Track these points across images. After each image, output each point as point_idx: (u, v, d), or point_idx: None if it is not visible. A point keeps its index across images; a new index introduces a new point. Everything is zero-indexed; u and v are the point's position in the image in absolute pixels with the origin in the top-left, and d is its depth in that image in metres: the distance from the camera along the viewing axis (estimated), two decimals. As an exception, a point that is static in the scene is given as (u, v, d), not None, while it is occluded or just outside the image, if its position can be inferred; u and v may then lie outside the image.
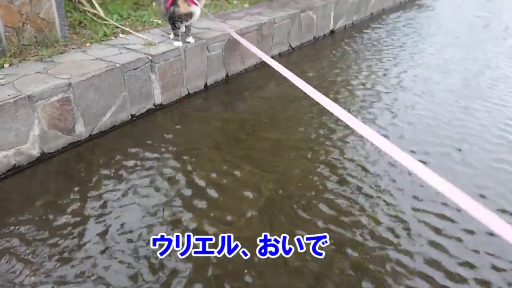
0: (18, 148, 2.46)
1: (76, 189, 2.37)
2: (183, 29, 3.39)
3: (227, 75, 3.92)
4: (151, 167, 2.58)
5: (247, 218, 2.17)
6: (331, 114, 3.19)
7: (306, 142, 2.91)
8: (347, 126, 3.09)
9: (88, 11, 3.74)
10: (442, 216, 2.20)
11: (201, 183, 2.45)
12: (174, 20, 3.27)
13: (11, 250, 1.94)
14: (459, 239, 2.06)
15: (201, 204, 2.27)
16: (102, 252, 1.94)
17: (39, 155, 2.59)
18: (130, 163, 2.61)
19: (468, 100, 3.60)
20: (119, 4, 4.04)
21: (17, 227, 2.07)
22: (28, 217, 2.15)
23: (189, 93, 3.54)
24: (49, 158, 2.63)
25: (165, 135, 2.96)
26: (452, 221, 2.17)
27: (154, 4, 4.19)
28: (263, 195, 2.35)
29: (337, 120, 3.18)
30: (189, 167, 2.59)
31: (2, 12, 2.88)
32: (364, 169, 2.60)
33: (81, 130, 2.77)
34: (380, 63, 4.49)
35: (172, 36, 3.44)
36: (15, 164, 2.47)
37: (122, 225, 2.10)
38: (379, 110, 3.38)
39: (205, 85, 3.70)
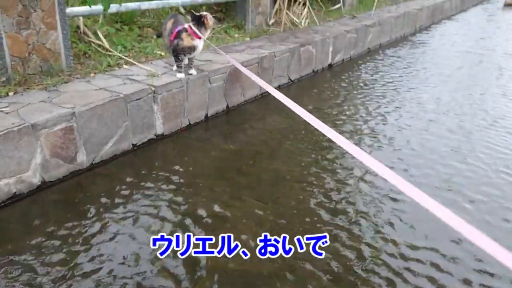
0: (19, 176, 2.46)
1: (75, 218, 2.36)
2: (186, 61, 3.47)
3: (227, 107, 3.97)
4: (151, 197, 2.58)
5: (248, 250, 2.15)
6: (331, 147, 3.26)
7: (306, 174, 2.93)
8: (347, 159, 3.13)
9: (93, 42, 3.82)
10: (446, 256, 2.19)
11: (202, 213, 2.44)
12: (178, 52, 3.35)
13: (9, 278, 1.91)
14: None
15: (201, 234, 2.26)
16: (98, 283, 1.92)
17: (39, 183, 2.59)
18: (131, 192, 2.61)
19: (461, 142, 3.61)
20: (123, 35, 4.13)
21: (15, 256, 2.05)
22: (27, 246, 2.13)
23: (190, 123, 3.58)
24: (49, 186, 2.63)
25: (166, 165, 2.97)
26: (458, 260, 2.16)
27: (154, 36, 4.28)
28: (264, 227, 2.35)
29: (336, 153, 3.22)
30: (190, 197, 2.60)
31: (10, 42, 2.94)
32: (362, 200, 2.61)
33: (82, 159, 2.78)
34: (375, 98, 4.56)
35: (175, 67, 3.51)
36: (15, 192, 2.47)
37: (120, 254, 2.08)
38: (372, 146, 3.42)
39: (206, 116, 3.74)
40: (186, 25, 3.34)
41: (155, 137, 3.29)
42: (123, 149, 3.04)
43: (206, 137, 3.47)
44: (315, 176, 2.91)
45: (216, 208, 2.50)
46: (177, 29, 3.32)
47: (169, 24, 3.44)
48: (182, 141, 3.35)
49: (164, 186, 2.70)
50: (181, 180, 2.78)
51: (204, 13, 3.36)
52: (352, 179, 2.87)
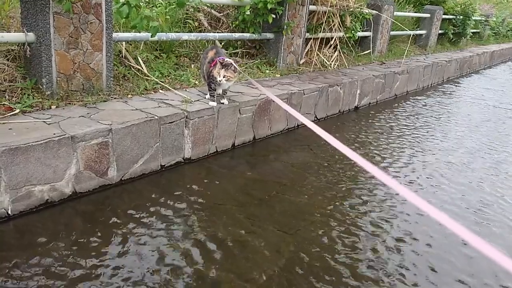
0: (53, 184, 2.58)
1: (100, 230, 2.44)
2: (219, 91, 3.61)
3: (254, 138, 4.07)
4: (175, 217, 2.64)
5: (267, 277, 2.17)
6: (355, 182, 3.29)
7: (328, 208, 2.95)
8: (370, 194, 3.15)
9: (133, 66, 4.02)
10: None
11: (223, 237, 2.49)
12: (212, 82, 3.49)
13: (32, 282, 1.98)
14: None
15: (221, 257, 2.30)
16: (122, 294, 1.96)
17: (70, 193, 2.69)
18: (155, 211, 2.69)
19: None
20: (161, 63, 4.34)
21: (40, 261, 2.12)
22: (52, 252, 2.20)
23: (217, 150, 3.68)
24: (79, 197, 2.73)
25: (191, 188, 3.05)
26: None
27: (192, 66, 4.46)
28: (283, 256, 2.37)
29: (358, 189, 3.24)
30: (212, 221, 2.65)
31: (58, 59, 3.14)
32: (380, 238, 2.61)
33: (113, 174, 2.89)
34: (399, 144, 4.59)
35: (208, 96, 3.65)
36: (47, 199, 2.58)
37: (139, 269, 2.14)
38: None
39: (233, 144, 3.84)
40: (227, 59, 3.47)
41: (182, 160, 3.39)
42: (151, 169, 3.14)
43: (232, 165, 3.55)
44: (337, 210, 2.93)
45: (237, 233, 2.54)
46: (219, 58, 3.46)
47: (211, 53, 3.62)
48: (208, 167, 3.44)
49: (187, 208, 2.76)
50: (204, 204, 2.84)
51: (230, 61, 3.45)
52: (372, 215, 2.88)
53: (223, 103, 3.62)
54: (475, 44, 13.23)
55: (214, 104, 3.53)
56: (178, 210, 2.73)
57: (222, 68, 3.41)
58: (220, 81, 3.44)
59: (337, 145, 1.94)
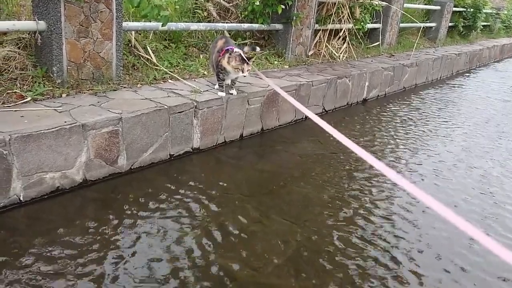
0: (64, 171, 2.61)
1: (111, 217, 2.47)
2: (228, 81, 3.61)
3: (262, 129, 4.08)
4: (183, 205, 2.67)
5: (274, 266, 2.19)
6: (362, 174, 3.30)
7: (336, 199, 2.96)
8: (377, 186, 3.15)
9: (142, 56, 4.03)
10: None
11: (231, 226, 2.51)
12: (220, 72, 3.49)
13: (45, 267, 2.01)
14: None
15: (230, 246, 2.32)
16: (127, 278, 1.99)
17: (81, 181, 2.72)
18: (164, 199, 2.71)
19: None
20: (170, 53, 4.34)
21: (51, 247, 2.15)
22: (63, 238, 2.23)
23: (225, 141, 3.69)
24: (89, 185, 2.76)
25: (200, 178, 3.07)
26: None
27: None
28: (290, 246, 2.39)
29: (368, 180, 3.25)
30: (220, 209, 2.67)
31: (69, 48, 3.15)
32: (394, 234, 2.62)
33: (123, 162, 2.92)
34: (406, 136, 4.58)
35: (217, 86, 3.65)
36: (58, 186, 2.61)
37: (149, 254, 2.17)
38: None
39: (241, 135, 3.85)
40: (236, 49, 3.45)
41: (191, 150, 3.41)
42: (160, 158, 3.17)
43: (240, 156, 3.57)
44: (344, 201, 2.94)
45: (245, 222, 2.56)
46: (228, 47, 3.47)
47: (220, 43, 3.61)
48: (216, 157, 3.46)
49: (196, 197, 2.78)
50: (213, 193, 2.86)
51: (238, 52, 3.42)
52: (380, 208, 2.88)
53: (232, 94, 3.62)
54: (485, 38, 13.08)
55: (223, 94, 3.54)
56: (187, 199, 2.75)
57: (244, 62, 3.37)
58: (244, 76, 3.46)
59: (340, 138, 1.94)
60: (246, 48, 3.69)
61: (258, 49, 3.85)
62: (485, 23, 12.75)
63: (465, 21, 10.94)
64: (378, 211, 2.86)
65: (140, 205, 2.61)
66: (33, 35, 3.22)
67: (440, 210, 1.35)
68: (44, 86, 3.08)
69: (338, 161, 3.58)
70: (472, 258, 2.44)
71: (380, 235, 2.59)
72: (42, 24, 3.07)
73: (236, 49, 3.45)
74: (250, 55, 3.57)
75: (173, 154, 3.27)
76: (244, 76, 3.47)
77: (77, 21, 3.14)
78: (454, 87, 7.74)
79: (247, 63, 3.40)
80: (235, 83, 3.67)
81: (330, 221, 2.70)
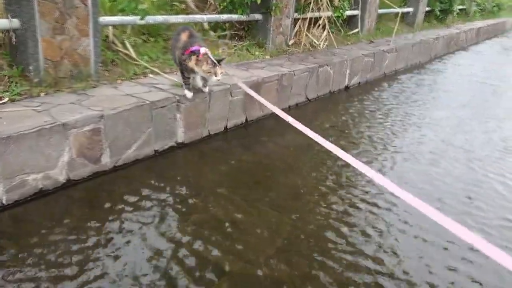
0: (47, 172, 2.55)
1: (96, 216, 2.43)
2: (199, 83, 3.38)
3: (246, 120, 4.06)
4: (170, 201, 2.65)
5: (266, 256, 2.20)
6: (347, 164, 3.31)
7: (322, 188, 2.98)
8: (361, 174, 3.18)
9: (121, 51, 3.95)
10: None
11: (219, 218, 2.50)
12: (185, 69, 3.23)
13: (31, 270, 1.97)
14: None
15: (220, 239, 2.32)
16: (114, 278, 1.97)
17: (64, 181, 2.67)
18: (150, 195, 2.69)
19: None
20: (149, 47, 4.27)
21: (37, 249, 2.11)
22: (50, 239, 2.19)
23: (210, 134, 3.67)
24: (73, 184, 2.71)
25: (186, 172, 3.05)
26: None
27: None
28: (280, 236, 2.39)
29: (353, 169, 3.27)
30: (208, 203, 2.66)
31: (45, 45, 3.07)
32: (376, 216, 2.65)
33: (106, 160, 2.87)
34: (388, 121, 4.63)
35: (183, 85, 3.34)
36: (42, 188, 2.55)
37: (136, 252, 2.15)
38: (383, 163, 3.47)
39: (226, 127, 3.83)
40: (202, 49, 3.13)
41: (176, 144, 3.37)
42: (145, 154, 3.13)
43: (225, 148, 3.55)
44: (331, 190, 2.96)
45: (233, 214, 2.56)
46: (194, 48, 3.16)
47: (183, 36, 3.27)
48: (202, 150, 3.44)
49: (183, 191, 2.77)
50: (200, 187, 2.85)
51: (206, 51, 3.13)
52: (368, 195, 2.91)
53: (204, 92, 3.45)
54: (461, 21, 13.24)
55: (190, 94, 3.30)
56: (174, 193, 2.73)
57: (215, 66, 3.09)
58: (218, 80, 3.16)
59: (309, 133, 1.96)
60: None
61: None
62: (461, 7, 12.91)
63: (441, 5, 11.06)
64: (367, 198, 2.89)
65: (126, 203, 2.58)
66: (7, 33, 3.12)
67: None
68: (21, 85, 3.00)
69: (323, 150, 3.58)
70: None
71: (370, 221, 2.62)
72: (15, 22, 2.97)
73: (202, 50, 3.12)
74: (221, 57, 3.30)
75: (158, 150, 3.23)
76: (218, 80, 3.17)
77: (52, 18, 3.06)
78: (432, 71, 7.83)
79: (219, 65, 3.12)
80: (207, 81, 3.40)
81: (318, 209, 2.72)
